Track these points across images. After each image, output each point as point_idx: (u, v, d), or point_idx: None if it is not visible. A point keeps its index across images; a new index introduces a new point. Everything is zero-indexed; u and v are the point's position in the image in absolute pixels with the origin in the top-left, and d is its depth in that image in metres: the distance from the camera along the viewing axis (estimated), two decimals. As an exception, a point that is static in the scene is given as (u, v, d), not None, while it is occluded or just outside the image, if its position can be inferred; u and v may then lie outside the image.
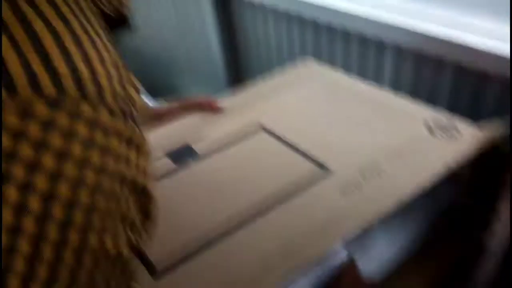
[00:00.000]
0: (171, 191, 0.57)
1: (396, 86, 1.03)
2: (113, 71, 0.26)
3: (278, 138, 0.64)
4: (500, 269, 0.50)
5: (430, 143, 0.59)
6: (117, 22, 0.36)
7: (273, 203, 0.52)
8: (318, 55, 1.11)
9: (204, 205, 0.54)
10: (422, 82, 0.96)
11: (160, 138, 0.68)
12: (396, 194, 0.51)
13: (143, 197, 0.30)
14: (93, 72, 0.24)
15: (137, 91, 0.30)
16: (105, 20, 0.32)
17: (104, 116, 0.25)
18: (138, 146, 0.30)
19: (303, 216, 0.51)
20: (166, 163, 0.62)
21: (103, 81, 0.25)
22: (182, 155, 0.63)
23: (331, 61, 1.11)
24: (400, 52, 0.96)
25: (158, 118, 0.73)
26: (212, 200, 0.55)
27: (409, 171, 0.54)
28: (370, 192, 0.52)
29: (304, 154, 0.60)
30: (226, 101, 0.75)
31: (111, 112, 0.26)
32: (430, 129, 0.62)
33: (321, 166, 0.58)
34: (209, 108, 0.73)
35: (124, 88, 0.28)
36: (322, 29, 1.10)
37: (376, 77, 1.06)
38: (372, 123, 0.64)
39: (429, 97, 0.97)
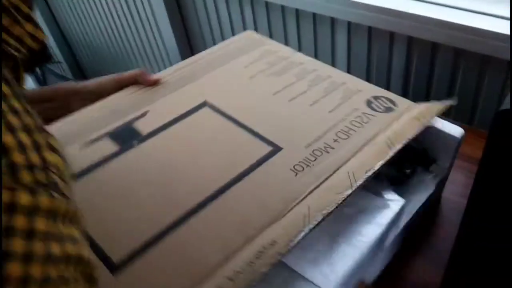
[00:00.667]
0: (118, 176, 0.52)
1: (349, 61, 1.03)
2: (25, 139, 0.23)
3: (223, 114, 0.61)
4: (457, 239, 0.51)
5: (371, 117, 0.59)
6: (34, 57, 0.33)
7: (226, 184, 0.50)
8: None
9: (155, 189, 0.51)
10: (375, 56, 0.97)
11: (99, 116, 0.62)
12: (345, 171, 0.51)
13: (88, 268, 0.27)
14: (3, 148, 0.22)
15: (56, 151, 0.26)
16: (17, 60, 0.29)
17: (22, 199, 0.22)
18: (73, 217, 0.26)
19: (258, 196, 0.49)
20: (108, 145, 0.57)
21: (16, 157, 0.22)
22: (125, 135, 0.58)
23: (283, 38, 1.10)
24: (351, 28, 0.97)
25: (87, 93, 0.67)
26: (162, 183, 0.52)
27: (354, 147, 0.54)
28: (320, 170, 0.52)
29: (251, 131, 0.58)
30: (165, 74, 0.70)
31: (32, 191, 0.23)
32: (369, 104, 0.62)
33: (269, 143, 0.56)
34: (144, 81, 0.68)
35: (40, 154, 0.24)
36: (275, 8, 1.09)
37: (329, 54, 1.06)
38: (313, 97, 0.63)
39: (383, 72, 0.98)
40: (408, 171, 0.64)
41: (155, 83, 0.68)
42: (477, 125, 0.88)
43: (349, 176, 0.49)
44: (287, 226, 0.45)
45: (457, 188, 0.69)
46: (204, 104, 0.63)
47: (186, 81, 0.69)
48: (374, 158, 0.51)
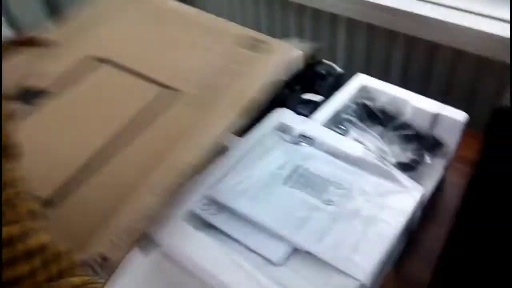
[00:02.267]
0: (31, 134, 0.55)
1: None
2: None
3: (118, 66, 0.64)
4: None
5: (247, 57, 0.65)
6: None
7: (137, 129, 0.55)
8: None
9: (69, 142, 0.55)
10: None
11: None
12: (235, 105, 0.57)
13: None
14: None
15: None
16: None
17: None
18: None
19: (170, 132, 0.55)
20: (15, 106, 0.60)
21: None
22: (30, 95, 0.60)
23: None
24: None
25: None
26: (75, 137, 0.56)
27: (240, 84, 0.60)
28: (215, 106, 0.58)
29: (149, 79, 0.62)
30: (55, 33, 0.70)
31: None
32: (243, 43, 0.67)
33: (168, 87, 0.61)
34: (39, 43, 0.68)
35: None
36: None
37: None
38: (193, 42, 0.68)
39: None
40: (417, 157, 0.65)
41: (50, 44, 0.68)
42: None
43: (238, 110, 0.56)
44: (200, 150, 0.52)
45: (449, 189, 0.70)
46: (98, 59, 0.65)
47: (76, 38, 0.70)
48: (259, 94, 0.58)
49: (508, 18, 0.75)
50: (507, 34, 0.72)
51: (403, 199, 0.54)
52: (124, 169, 0.52)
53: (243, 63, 0.63)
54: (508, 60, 0.72)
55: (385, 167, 0.57)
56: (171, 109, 0.58)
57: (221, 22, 0.72)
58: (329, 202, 0.53)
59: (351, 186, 0.55)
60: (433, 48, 0.85)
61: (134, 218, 0.46)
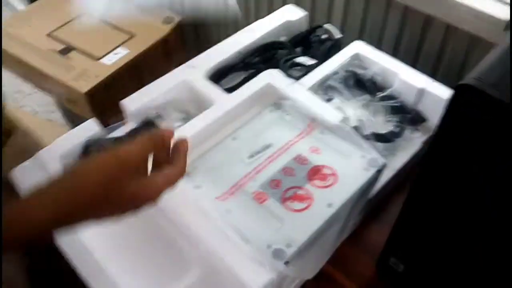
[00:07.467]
0: None
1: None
2: None
3: None
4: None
5: None
6: None
7: None
8: None
9: None
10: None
11: None
12: None
13: None
14: None
15: None
16: None
17: None
18: None
19: None
20: None
21: None
22: None
23: None
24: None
25: None
26: None
27: None
28: None
29: None
30: None
31: None
32: None
33: None
34: None
35: None
36: None
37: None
38: None
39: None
40: (397, 129, 0.66)
41: None
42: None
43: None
44: None
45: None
46: None
47: None
48: None
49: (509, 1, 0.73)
50: (504, 16, 0.71)
51: (360, 169, 0.57)
52: None
53: None
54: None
55: (356, 137, 0.60)
56: None
57: None
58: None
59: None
60: (428, 21, 0.84)
61: None
